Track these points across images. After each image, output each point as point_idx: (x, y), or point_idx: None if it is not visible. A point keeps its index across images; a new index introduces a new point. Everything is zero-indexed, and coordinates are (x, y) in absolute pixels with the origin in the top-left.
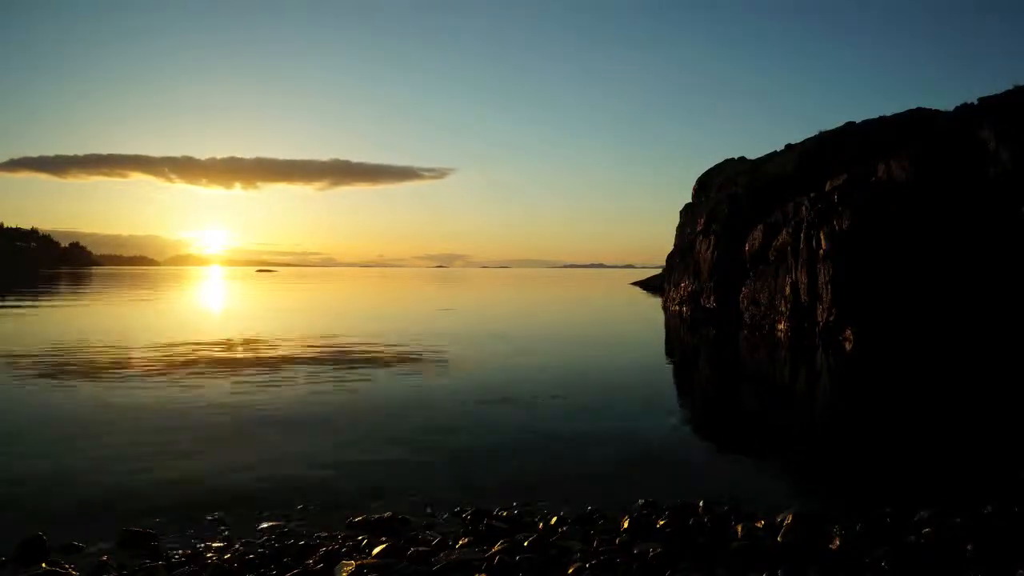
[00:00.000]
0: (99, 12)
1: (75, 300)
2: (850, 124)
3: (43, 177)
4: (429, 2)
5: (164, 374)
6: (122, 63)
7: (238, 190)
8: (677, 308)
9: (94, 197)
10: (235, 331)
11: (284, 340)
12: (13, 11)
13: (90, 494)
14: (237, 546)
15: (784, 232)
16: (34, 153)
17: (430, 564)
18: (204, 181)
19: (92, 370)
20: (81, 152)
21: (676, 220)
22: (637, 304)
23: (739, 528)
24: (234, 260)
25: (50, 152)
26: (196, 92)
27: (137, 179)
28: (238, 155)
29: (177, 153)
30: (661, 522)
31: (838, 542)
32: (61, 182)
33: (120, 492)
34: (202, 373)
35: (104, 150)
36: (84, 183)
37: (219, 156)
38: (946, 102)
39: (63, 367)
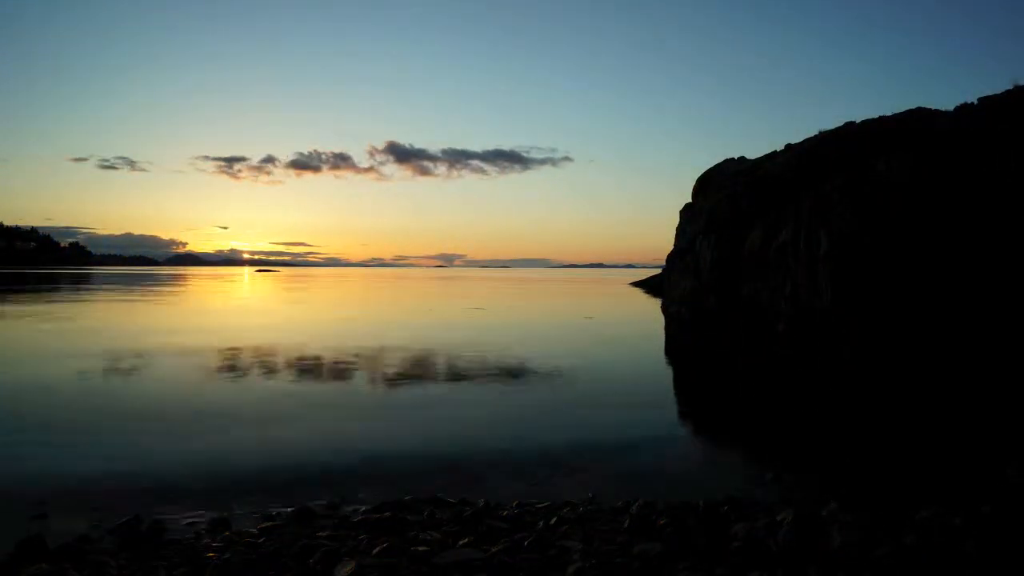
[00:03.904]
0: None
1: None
2: (850, 124)
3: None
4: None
5: (194, 368)
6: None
7: (232, 185)
8: (677, 308)
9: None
10: (274, 335)
11: (309, 343)
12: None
13: (90, 494)
14: (237, 546)
15: (784, 232)
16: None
17: (430, 564)
18: (198, 174)
19: (106, 366)
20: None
21: (676, 219)
22: (636, 304)
23: (739, 528)
24: (232, 260)
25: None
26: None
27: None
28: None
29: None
30: (661, 522)
31: (838, 542)
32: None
33: (120, 491)
34: (218, 372)
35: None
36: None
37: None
38: (946, 102)
39: (81, 361)
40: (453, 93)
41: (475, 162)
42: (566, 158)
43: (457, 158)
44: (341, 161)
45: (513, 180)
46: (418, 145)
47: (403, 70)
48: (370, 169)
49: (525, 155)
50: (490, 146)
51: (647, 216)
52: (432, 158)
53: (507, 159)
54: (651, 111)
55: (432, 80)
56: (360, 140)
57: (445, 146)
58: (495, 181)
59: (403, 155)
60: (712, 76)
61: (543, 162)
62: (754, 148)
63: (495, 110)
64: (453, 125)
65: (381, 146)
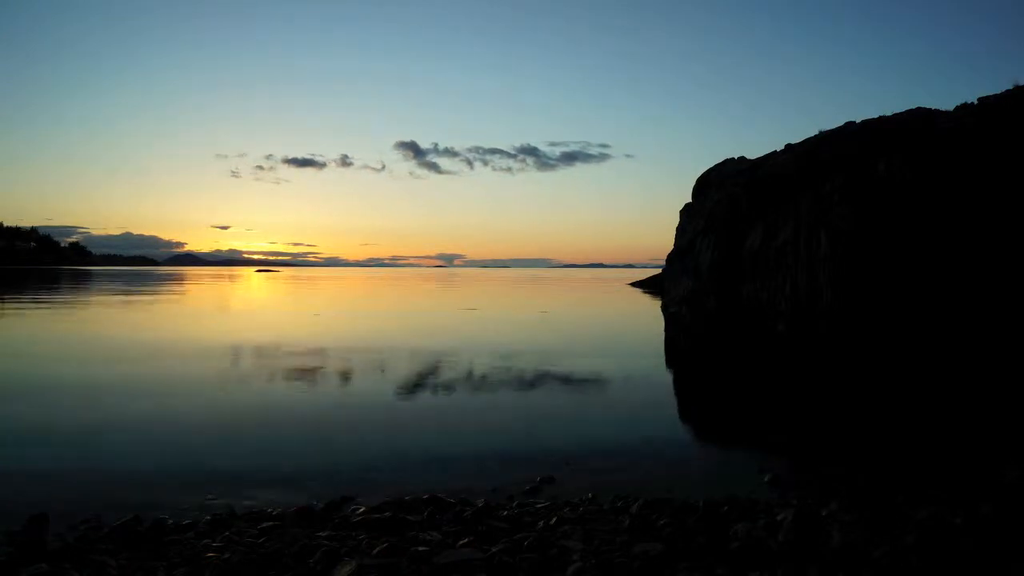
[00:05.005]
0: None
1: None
2: (850, 124)
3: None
4: None
5: (200, 369)
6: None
7: (232, 184)
8: (676, 309)
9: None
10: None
11: (303, 343)
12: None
13: (90, 493)
14: (237, 546)
15: (784, 232)
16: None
17: (430, 564)
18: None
19: (111, 365)
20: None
21: (675, 219)
22: (635, 305)
23: (739, 528)
24: (232, 260)
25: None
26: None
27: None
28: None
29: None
30: (661, 522)
31: (838, 542)
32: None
33: (121, 491)
34: (218, 372)
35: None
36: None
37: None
38: (946, 102)
39: (88, 360)
40: (466, 90)
41: (494, 159)
42: (602, 154)
43: (470, 156)
44: (343, 159)
45: (529, 179)
46: (424, 143)
47: (411, 66)
48: (372, 168)
49: (544, 152)
50: (502, 144)
51: (661, 215)
52: (438, 156)
53: (527, 155)
54: (695, 108)
55: (441, 77)
56: (362, 138)
57: (450, 144)
58: (507, 180)
59: (407, 153)
60: (712, 75)
61: (569, 159)
62: (754, 148)
63: (511, 108)
64: (459, 122)
65: (384, 144)
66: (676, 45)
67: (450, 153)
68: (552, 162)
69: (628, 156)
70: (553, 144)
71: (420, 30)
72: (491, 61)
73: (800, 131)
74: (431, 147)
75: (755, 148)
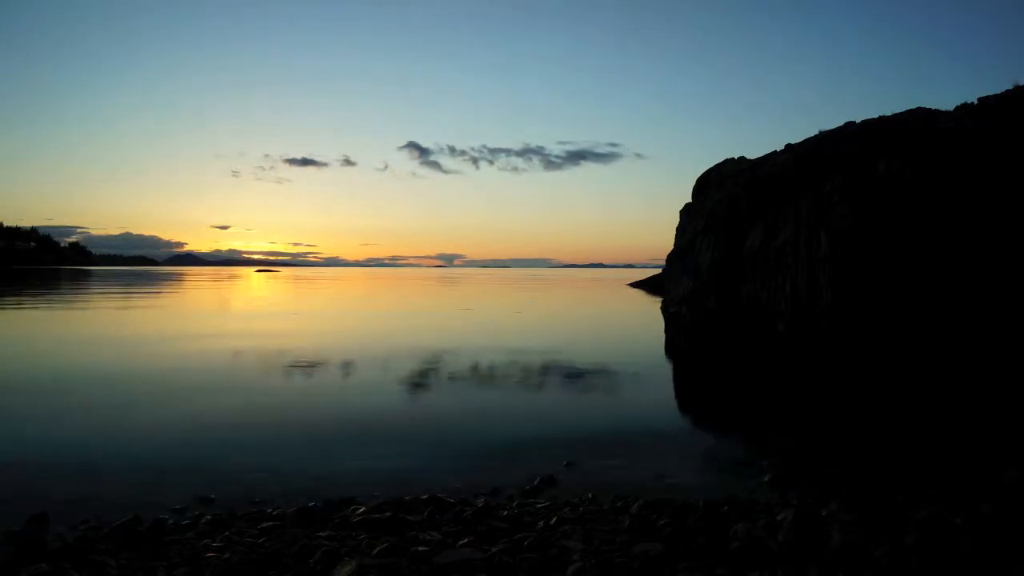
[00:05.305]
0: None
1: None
2: (850, 124)
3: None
4: None
5: (197, 372)
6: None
7: (232, 184)
8: (676, 309)
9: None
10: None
11: (301, 343)
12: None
13: (90, 493)
14: (237, 546)
15: (784, 232)
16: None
17: (430, 564)
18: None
19: (112, 365)
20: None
21: (676, 219)
22: (635, 305)
23: (739, 528)
24: (232, 260)
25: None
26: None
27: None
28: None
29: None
30: (661, 522)
31: (838, 542)
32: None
33: (121, 491)
34: (218, 372)
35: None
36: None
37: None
38: (946, 102)
39: (89, 360)
40: (468, 90)
41: (499, 158)
42: (612, 153)
43: (475, 155)
44: (344, 160)
45: (534, 178)
46: (427, 143)
47: (412, 67)
48: (374, 167)
49: (551, 151)
50: (508, 143)
51: (662, 214)
52: (441, 156)
53: (533, 154)
54: (697, 108)
55: (443, 77)
56: (364, 138)
57: (454, 144)
58: (512, 179)
59: (411, 153)
60: (712, 75)
61: (576, 158)
62: (754, 148)
63: (516, 107)
64: (463, 122)
65: (387, 144)
66: (677, 45)
67: (454, 153)
68: (558, 161)
69: (638, 155)
70: (561, 143)
71: (420, 30)
72: (493, 61)
73: (800, 131)
74: (434, 147)
75: (755, 148)
